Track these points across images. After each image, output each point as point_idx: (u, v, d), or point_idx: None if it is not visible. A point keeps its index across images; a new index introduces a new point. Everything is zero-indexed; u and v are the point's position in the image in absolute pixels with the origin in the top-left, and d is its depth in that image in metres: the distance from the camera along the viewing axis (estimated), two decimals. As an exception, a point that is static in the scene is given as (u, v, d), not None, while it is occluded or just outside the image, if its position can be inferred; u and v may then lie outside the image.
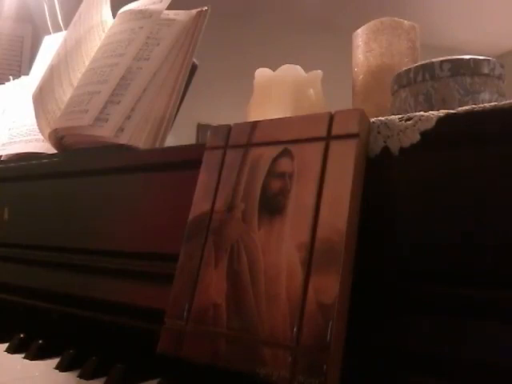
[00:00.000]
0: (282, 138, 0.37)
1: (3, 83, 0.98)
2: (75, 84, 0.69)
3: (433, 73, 0.50)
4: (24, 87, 0.86)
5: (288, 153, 0.36)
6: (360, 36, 0.70)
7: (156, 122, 0.61)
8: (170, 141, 0.64)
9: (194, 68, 0.67)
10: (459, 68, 0.49)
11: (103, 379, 0.43)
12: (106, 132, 0.59)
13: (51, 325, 0.54)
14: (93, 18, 0.74)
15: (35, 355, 0.49)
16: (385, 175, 0.35)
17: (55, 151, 0.68)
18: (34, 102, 0.68)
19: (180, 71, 0.63)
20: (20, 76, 0.95)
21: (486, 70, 0.49)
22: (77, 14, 0.72)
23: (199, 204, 0.39)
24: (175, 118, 0.64)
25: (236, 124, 0.41)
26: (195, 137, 3.33)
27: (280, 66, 0.67)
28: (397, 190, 0.34)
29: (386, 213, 0.34)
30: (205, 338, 0.34)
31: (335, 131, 0.35)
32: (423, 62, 0.51)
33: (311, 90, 0.66)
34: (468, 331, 0.29)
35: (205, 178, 0.40)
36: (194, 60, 0.66)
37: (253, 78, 0.68)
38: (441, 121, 0.32)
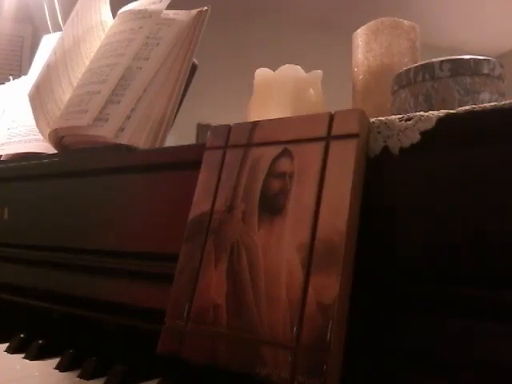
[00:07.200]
0: (282, 138, 0.37)
1: (3, 83, 0.98)
2: (75, 84, 0.69)
3: (433, 73, 0.50)
4: (24, 87, 0.86)
5: (288, 153, 0.36)
6: (360, 36, 0.70)
7: (156, 121, 0.61)
8: (170, 141, 0.64)
9: (194, 68, 0.67)
10: (459, 68, 0.49)
11: (103, 379, 0.43)
12: (106, 132, 0.59)
13: (51, 325, 0.54)
14: (92, 17, 0.74)
15: (35, 355, 0.49)
16: (385, 175, 0.35)
17: (55, 151, 0.68)
18: (30, 101, 0.68)
19: (180, 71, 0.63)
20: (20, 76, 0.95)
21: (485, 70, 0.49)
22: (73, 12, 0.72)
23: (199, 204, 0.39)
24: (175, 118, 0.64)
25: (236, 124, 0.41)
26: (195, 137, 3.33)
27: (280, 66, 0.67)
28: (397, 190, 0.34)
29: (385, 213, 0.34)
30: (205, 338, 0.34)
31: (335, 131, 0.35)
32: (423, 62, 0.51)
33: (311, 90, 0.66)
34: (468, 331, 0.29)
35: (205, 177, 0.40)
36: (194, 60, 0.66)
37: (253, 78, 0.68)
38: (441, 121, 0.32)
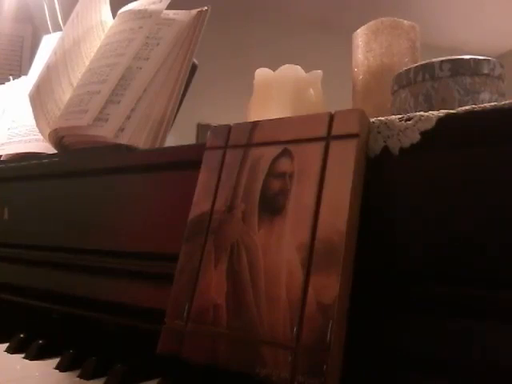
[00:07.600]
0: (282, 138, 0.37)
1: (3, 83, 0.98)
2: (75, 84, 0.69)
3: (433, 73, 0.50)
4: (24, 87, 0.86)
5: (288, 153, 0.36)
6: (360, 36, 0.70)
7: (156, 121, 0.61)
8: (170, 141, 0.64)
9: (194, 68, 0.67)
10: (459, 68, 0.49)
11: (103, 379, 0.43)
12: (106, 132, 0.59)
13: (51, 325, 0.54)
14: (92, 18, 0.74)
15: (35, 355, 0.49)
16: (385, 175, 0.35)
17: (55, 151, 0.68)
18: (30, 101, 0.68)
19: (180, 71, 0.63)
20: (20, 76, 0.95)
21: (485, 70, 0.49)
22: (74, 13, 0.72)
23: (199, 204, 0.39)
24: (175, 118, 0.64)
25: (236, 124, 0.41)
26: (195, 137, 3.33)
27: (280, 66, 0.67)
28: (397, 190, 0.34)
29: (385, 213, 0.34)
30: (205, 338, 0.34)
31: (335, 131, 0.35)
32: (423, 62, 0.51)
33: (311, 90, 0.66)
34: (468, 331, 0.29)
35: (205, 177, 0.40)
36: (194, 60, 0.66)
37: (253, 78, 0.68)
38: (441, 121, 0.32)
